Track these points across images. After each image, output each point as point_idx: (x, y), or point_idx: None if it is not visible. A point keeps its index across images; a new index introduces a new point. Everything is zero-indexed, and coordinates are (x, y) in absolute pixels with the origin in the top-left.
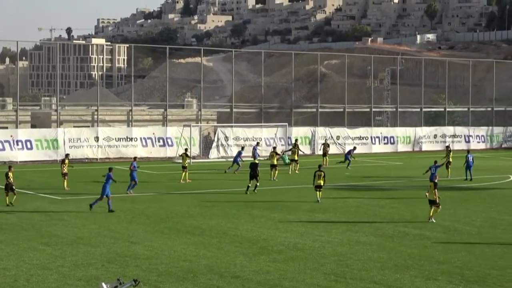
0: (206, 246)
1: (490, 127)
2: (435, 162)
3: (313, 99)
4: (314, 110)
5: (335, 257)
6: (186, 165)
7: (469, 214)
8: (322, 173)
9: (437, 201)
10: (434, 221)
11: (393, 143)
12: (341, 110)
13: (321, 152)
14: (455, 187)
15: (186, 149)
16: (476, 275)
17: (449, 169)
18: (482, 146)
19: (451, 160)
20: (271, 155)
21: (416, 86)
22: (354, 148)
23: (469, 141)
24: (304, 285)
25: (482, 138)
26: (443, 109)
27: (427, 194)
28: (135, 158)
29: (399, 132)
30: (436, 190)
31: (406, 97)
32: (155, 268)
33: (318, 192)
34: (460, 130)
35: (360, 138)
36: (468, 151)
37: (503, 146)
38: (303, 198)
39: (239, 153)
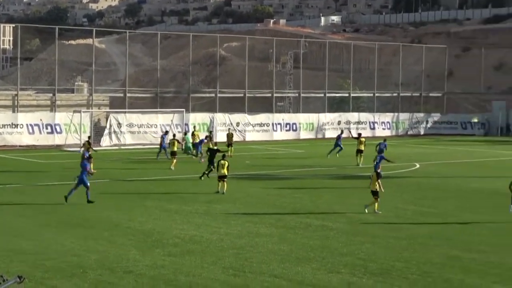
0: (96, 240)
1: (396, 113)
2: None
3: (212, 84)
4: (213, 95)
5: (234, 250)
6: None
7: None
8: (226, 163)
9: (379, 191)
10: (380, 212)
11: (296, 130)
12: (241, 95)
13: (220, 140)
14: (361, 176)
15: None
16: (380, 267)
17: (361, 157)
18: (387, 133)
19: (362, 148)
20: (172, 143)
21: (320, 70)
22: (342, 132)
23: (374, 128)
24: (201, 280)
25: (388, 124)
26: (347, 95)
27: (370, 185)
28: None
29: (302, 118)
30: (379, 180)
31: (309, 82)
32: (41, 264)
33: (221, 183)
34: (365, 116)
35: (261, 124)
36: (385, 139)
37: (409, 133)
38: (201, 189)
39: (201, 141)
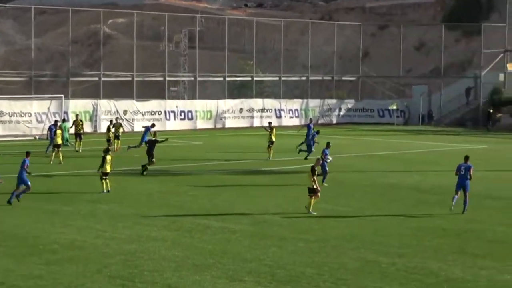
0: None
1: (305, 100)
2: (328, 144)
3: (95, 66)
4: (96, 78)
5: (122, 257)
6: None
7: (280, 202)
8: (110, 157)
9: (317, 189)
10: (315, 213)
11: (191, 118)
12: (129, 79)
13: (105, 130)
14: (269, 171)
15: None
16: (289, 274)
17: (271, 150)
18: (295, 121)
19: (274, 139)
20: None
21: (218, 51)
22: (311, 121)
23: (280, 116)
24: None
25: (296, 112)
26: (250, 78)
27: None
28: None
29: (199, 105)
30: (314, 177)
31: (206, 64)
32: None
33: (104, 181)
34: (270, 103)
35: (152, 112)
36: (318, 131)
37: (319, 121)
38: (85, 187)
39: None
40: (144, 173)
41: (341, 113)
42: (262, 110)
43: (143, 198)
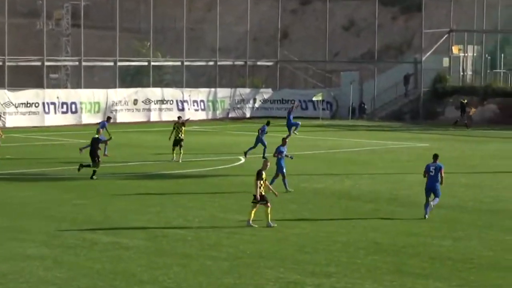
0: None
1: (213, 89)
2: (283, 140)
3: None
4: None
5: None
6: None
7: (184, 212)
8: None
9: (265, 196)
10: (275, 225)
11: (76, 111)
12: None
13: None
14: (171, 175)
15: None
16: None
17: (180, 150)
18: (201, 115)
19: (183, 136)
20: None
21: (108, 30)
22: (292, 107)
23: (183, 108)
24: None
25: (202, 104)
26: (146, 63)
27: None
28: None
29: (84, 96)
30: (260, 182)
31: (94, 46)
32: None
33: None
34: (171, 93)
35: (27, 104)
36: (268, 122)
37: (230, 115)
38: None
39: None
40: (94, 177)
41: (256, 105)
42: (162, 101)
43: (17, 208)
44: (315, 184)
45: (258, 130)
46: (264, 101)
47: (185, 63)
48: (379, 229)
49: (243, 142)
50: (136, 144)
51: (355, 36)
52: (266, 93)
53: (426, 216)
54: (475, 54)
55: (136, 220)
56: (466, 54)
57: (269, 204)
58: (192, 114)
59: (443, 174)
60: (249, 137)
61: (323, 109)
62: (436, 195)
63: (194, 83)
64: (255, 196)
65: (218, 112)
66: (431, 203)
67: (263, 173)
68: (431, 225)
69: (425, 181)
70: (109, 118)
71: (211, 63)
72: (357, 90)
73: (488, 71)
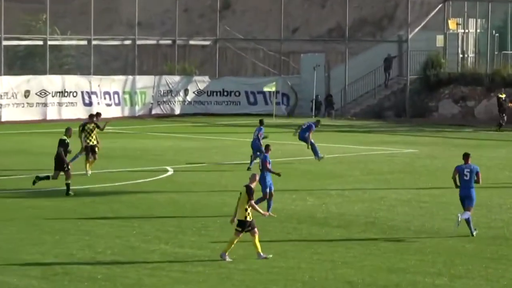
0: None
1: (131, 77)
2: (267, 148)
3: None
4: None
5: None
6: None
7: (92, 241)
8: None
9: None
10: (269, 256)
11: None
12: None
13: None
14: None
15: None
16: None
17: (89, 159)
18: (115, 112)
19: (95, 142)
20: None
21: None
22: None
23: (91, 103)
24: None
25: (115, 97)
26: (41, 42)
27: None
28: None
29: None
30: (252, 202)
31: None
32: None
33: None
34: (75, 82)
35: None
36: (261, 121)
37: (154, 111)
38: None
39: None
40: (71, 192)
41: (188, 98)
42: (62, 93)
43: None
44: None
45: (255, 133)
46: (199, 92)
47: (93, 42)
48: (352, 263)
49: (172, 148)
50: (28, 151)
51: (320, 7)
52: (202, 82)
53: (474, 233)
54: (478, 31)
55: (28, 253)
56: (466, 31)
57: (256, 230)
58: (103, 110)
59: (480, 180)
60: (179, 141)
61: (278, 103)
62: (470, 203)
63: (105, 69)
64: (240, 221)
65: (137, 107)
66: (460, 216)
67: (253, 190)
68: (421, 258)
69: (458, 189)
70: (98, 114)
71: (127, 42)
72: (322, 78)
73: (496, 52)
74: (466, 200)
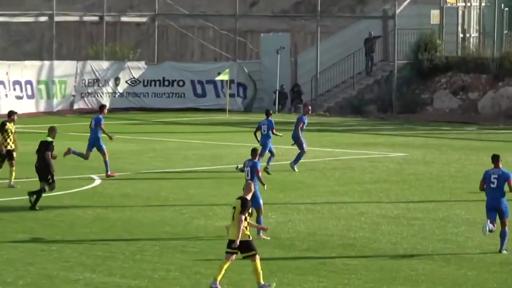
0: None
1: (47, 62)
2: (255, 152)
3: None
4: None
5: None
6: None
7: None
8: None
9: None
10: (273, 285)
11: None
12: None
13: None
14: None
15: None
16: None
17: (12, 167)
18: (28, 107)
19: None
20: None
21: None
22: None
23: None
24: None
25: (28, 88)
26: None
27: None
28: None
29: None
30: (246, 217)
31: None
32: None
33: None
34: None
35: None
36: (267, 113)
37: (75, 106)
38: None
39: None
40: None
41: (120, 89)
42: None
43: None
44: (219, 221)
45: (261, 126)
46: (133, 82)
47: (0, 19)
48: None
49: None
50: None
51: None
52: (137, 68)
53: (504, 250)
54: (483, 4)
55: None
56: (468, 4)
57: (257, 255)
58: (13, 104)
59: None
60: (108, 143)
61: (232, 95)
62: (502, 216)
63: (15, 53)
64: (232, 241)
65: (55, 101)
66: (488, 226)
67: (250, 202)
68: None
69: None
70: (102, 106)
71: (43, 18)
72: (288, 63)
73: (506, 31)
74: (494, 212)
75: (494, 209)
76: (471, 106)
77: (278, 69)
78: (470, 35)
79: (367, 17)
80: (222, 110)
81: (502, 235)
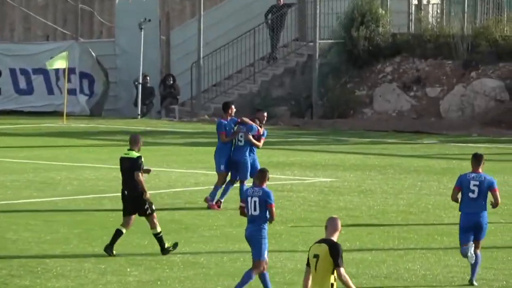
0: None
1: None
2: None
3: None
4: None
5: None
6: None
7: None
8: None
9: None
10: None
11: None
12: None
13: None
14: None
15: None
16: None
17: None
18: None
19: None
20: None
21: None
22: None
23: None
24: None
25: None
26: None
27: None
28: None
29: None
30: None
31: None
32: None
33: None
34: None
35: None
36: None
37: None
38: None
39: None
40: None
41: None
42: None
43: None
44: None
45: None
46: None
47: None
48: None
49: None
50: None
51: None
52: None
53: (475, 282)
54: None
55: None
56: None
57: None
58: None
59: (498, 198)
60: None
61: (73, 91)
62: (479, 236)
63: None
64: None
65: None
66: (471, 250)
67: None
68: None
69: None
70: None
71: None
72: (156, 44)
73: None
74: (471, 232)
75: (472, 228)
76: (431, 107)
77: (142, 53)
78: (428, 2)
79: None
80: (57, 114)
81: (475, 261)
